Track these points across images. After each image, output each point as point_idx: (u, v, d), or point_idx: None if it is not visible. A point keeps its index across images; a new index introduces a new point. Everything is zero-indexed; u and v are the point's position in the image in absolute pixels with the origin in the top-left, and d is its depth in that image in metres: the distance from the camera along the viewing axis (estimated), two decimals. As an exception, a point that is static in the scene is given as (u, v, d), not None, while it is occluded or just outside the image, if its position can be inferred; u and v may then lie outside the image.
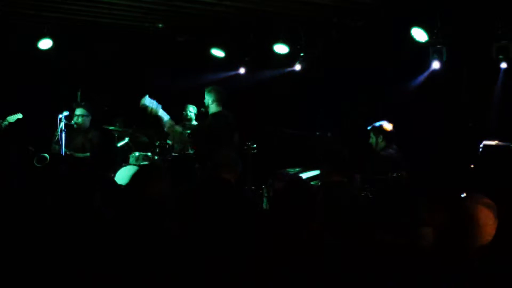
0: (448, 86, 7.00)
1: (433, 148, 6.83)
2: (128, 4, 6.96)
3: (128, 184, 3.64)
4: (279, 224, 2.89)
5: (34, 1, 6.88)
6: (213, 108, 6.90)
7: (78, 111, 7.46)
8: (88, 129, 7.54)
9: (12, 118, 7.32)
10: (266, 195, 6.57)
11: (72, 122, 7.38)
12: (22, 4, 6.99)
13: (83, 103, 7.59)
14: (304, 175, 6.57)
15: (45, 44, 7.92)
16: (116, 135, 7.66)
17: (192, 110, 8.29)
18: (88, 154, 7.44)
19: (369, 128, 6.39)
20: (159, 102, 7.24)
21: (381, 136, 6.29)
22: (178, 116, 8.12)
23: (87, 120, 7.53)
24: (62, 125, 7.10)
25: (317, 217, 2.94)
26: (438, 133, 6.96)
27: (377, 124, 6.35)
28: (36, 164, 6.89)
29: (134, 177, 3.63)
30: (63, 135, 7.05)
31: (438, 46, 6.73)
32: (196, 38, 8.54)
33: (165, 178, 3.59)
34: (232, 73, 8.98)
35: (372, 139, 6.34)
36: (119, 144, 7.67)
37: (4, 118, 7.28)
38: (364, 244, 2.86)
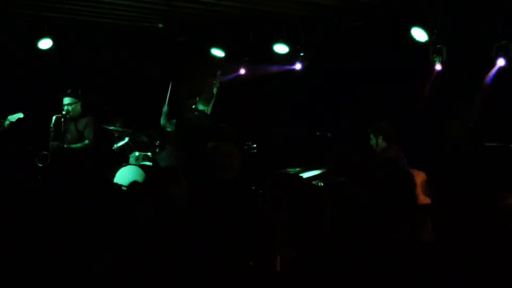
0: (448, 86, 7.00)
1: (433, 148, 6.84)
2: (128, 4, 6.97)
3: (144, 186, 3.64)
4: (282, 225, 2.89)
5: (34, 1, 6.88)
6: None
7: (66, 101, 7.28)
8: (79, 117, 7.35)
9: (13, 117, 7.26)
10: (266, 195, 6.57)
11: (64, 113, 7.23)
12: (22, 4, 6.99)
13: (68, 91, 7.35)
14: (304, 175, 6.58)
15: (45, 44, 7.91)
16: (116, 135, 7.66)
17: None
18: (86, 142, 7.26)
19: (368, 130, 6.37)
20: (159, 101, 7.33)
21: (381, 137, 6.25)
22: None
23: (77, 107, 7.33)
24: (53, 120, 7.10)
25: (321, 218, 2.94)
26: (438, 133, 6.96)
27: (376, 124, 6.34)
28: (39, 164, 6.87)
29: (150, 179, 3.64)
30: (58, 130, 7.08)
31: (438, 46, 6.74)
32: (196, 38, 8.55)
33: (181, 180, 3.59)
34: (232, 73, 8.98)
35: (373, 141, 6.29)
36: (119, 144, 7.67)
37: (5, 118, 7.25)
38: (365, 244, 2.86)
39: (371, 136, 6.28)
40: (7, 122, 7.18)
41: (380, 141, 6.23)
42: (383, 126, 6.26)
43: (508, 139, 6.20)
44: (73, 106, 7.26)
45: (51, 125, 7.10)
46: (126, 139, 7.73)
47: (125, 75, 8.98)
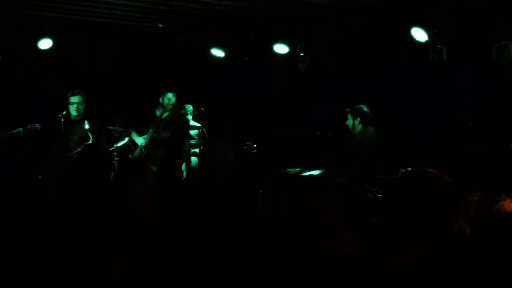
0: (448, 86, 7.01)
1: (433, 148, 6.83)
2: (128, 4, 6.96)
3: (116, 183, 3.63)
4: (282, 225, 2.90)
5: (34, 1, 6.88)
6: None
7: (76, 99, 7.18)
8: (84, 118, 7.25)
9: (33, 126, 7.28)
10: (265, 195, 6.56)
11: (72, 113, 7.14)
12: (22, 4, 6.99)
13: (76, 90, 7.24)
14: (304, 175, 6.57)
15: (45, 44, 7.90)
16: (116, 135, 7.65)
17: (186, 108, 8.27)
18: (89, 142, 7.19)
19: (347, 110, 6.52)
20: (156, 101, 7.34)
21: (358, 119, 6.42)
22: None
23: (84, 106, 7.27)
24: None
25: (321, 219, 2.94)
26: (438, 133, 6.96)
27: (356, 107, 6.49)
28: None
29: (121, 176, 3.63)
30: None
31: (438, 46, 6.74)
32: (196, 38, 8.54)
33: (149, 173, 3.57)
34: (232, 73, 8.98)
35: (349, 121, 6.48)
36: (119, 144, 7.66)
37: (24, 127, 7.25)
38: (365, 244, 2.86)
39: (349, 116, 6.49)
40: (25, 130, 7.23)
41: (356, 123, 6.44)
42: (362, 110, 6.46)
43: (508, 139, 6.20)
44: (82, 105, 7.23)
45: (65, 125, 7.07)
46: (126, 139, 7.72)
47: (125, 75, 8.98)
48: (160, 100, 7.47)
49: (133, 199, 3.31)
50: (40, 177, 6.80)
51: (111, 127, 7.58)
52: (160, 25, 7.96)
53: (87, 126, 7.13)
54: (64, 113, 7.14)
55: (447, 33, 6.68)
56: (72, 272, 2.88)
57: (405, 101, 7.21)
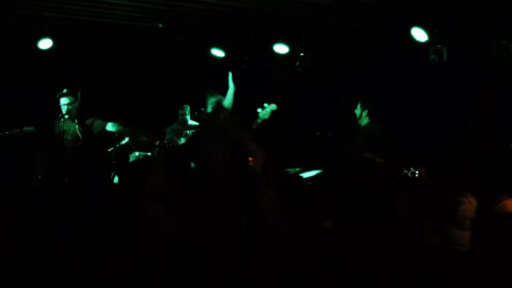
0: (448, 86, 7.01)
1: (433, 148, 6.84)
2: (128, 4, 6.96)
3: (123, 179, 3.65)
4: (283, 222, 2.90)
5: (34, 1, 6.88)
6: None
7: (66, 100, 7.13)
8: (77, 117, 7.20)
9: (28, 129, 7.25)
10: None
11: (64, 113, 7.07)
12: (22, 4, 6.99)
13: (65, 91, 7.16)
14: (304, 175, 6.58)
15: (45, 44, 7.90)
16: (116, 135, 7.65)
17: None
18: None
19: (359, 98, 6.48)
20: (156, 101, 7.29)
21: (367, 111, 6.37)
22: (174, 115, 8.24)
23: (76, 106, 7.21)
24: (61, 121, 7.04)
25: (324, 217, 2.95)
26: (438, 133, 6.97)
27: (368, 98, 6.44)
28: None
29: (129, 172, 3.64)
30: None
31: (438, 46, 6.75)
32: (196, 38, 8.55)
33: (159, 171, 3.59)
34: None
35: (358, 110, 6.45)
36: (119, 144, 7.66)
37: (21, 128, 7.23)
38: (365, 244, 2.86)
39: (358, 105, 6.45)
40: (21, 131, 7.20)
41: (364, 114, 6.40)
42: (373, 103, 6.42)
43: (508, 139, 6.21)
44: (72, 105, 7.20)
45: (60, 126, 7.04)
46: (126, 139, 7.72)
47: (125, 75, 8.98)
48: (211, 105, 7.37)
49: (140, 198, 3.32)
50: (40, 177, 6.79)
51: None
52: (160, 25, 7.97)
53: (78, 127, 7.12)
54: (64, 112, 7.12)
55: (447, 33, 6.68)
56: (72, 271, 2.89)
57: (405, 101, 7.22)
